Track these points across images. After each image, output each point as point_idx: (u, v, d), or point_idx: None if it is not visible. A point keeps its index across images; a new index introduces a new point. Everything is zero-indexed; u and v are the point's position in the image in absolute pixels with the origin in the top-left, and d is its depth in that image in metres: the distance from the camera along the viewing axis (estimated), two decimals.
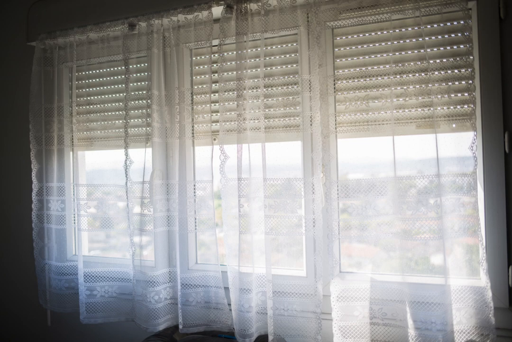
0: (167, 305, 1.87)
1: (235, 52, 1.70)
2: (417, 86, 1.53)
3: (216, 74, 1.79)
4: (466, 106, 1.47)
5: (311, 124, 1.64)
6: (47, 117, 2.10)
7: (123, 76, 2.01)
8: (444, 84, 1.50)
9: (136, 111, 1.98)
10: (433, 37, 1.54)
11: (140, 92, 1.96)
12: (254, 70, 1.73)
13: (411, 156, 1.57)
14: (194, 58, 1.94)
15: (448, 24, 1.53)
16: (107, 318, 1.99)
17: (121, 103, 2.04)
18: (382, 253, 1.65)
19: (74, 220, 2.05)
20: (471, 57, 1.44)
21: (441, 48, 1.53)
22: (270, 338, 1.64)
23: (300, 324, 1.66)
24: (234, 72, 1.72)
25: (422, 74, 1.52)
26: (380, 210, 1.54)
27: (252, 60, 1.73)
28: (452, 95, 1.50)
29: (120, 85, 2.06)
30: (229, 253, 1.72)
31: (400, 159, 1.50)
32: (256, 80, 1.70)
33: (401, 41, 1.56)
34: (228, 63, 1.79)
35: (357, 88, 1.61)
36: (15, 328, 2.42)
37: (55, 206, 2.06)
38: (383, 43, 1.61)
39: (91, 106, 2.09)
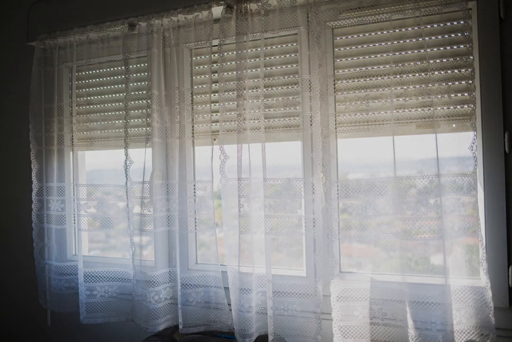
0: (167, 305, 1.87)
1: (235, 52, 1.70)
2: (417, 86, 1.53)
3: (216, 74, 1.79)
4: (466, 106, 1.47)
5: (311, 124, 1.64)
6: (47, 117, 2.10)
7: (123, 76, 2.01)
8: (444, 84, 1.50)
9: (136, 111, 1.98)
10: (433, 37, 1.54)
11: (140, 92, 1.96)
12: (254, 70, 1.72)
13: (411, 156, 1.57)
14: (194, 58, 1.94)
15: (448, 24, 1.53)
16: (107, 318, 1.99)
17: (121, 103, 2.04)
18: (382, 253, 1.65)
19: (74, 220, 2.05)
20: (471, 57, 1.44)
21: (441, 48, 1.53)
22: (270, 338, 1.63)
23: (300, 324, 1.66)
24: (234, 72, 1.72)
25: (422, 74, 1.52)
26: (380, 210, 1.54)
27: (252, 60, 1.73)
28: (452, 95, 1.50)
29: (120, 85, 2.06)
30: (229, 253, 1.72)
31: (400, 159, 1.50)
32: (256, 80, 1.70)
33: (401, 41, 1.56)
34: (228, 63, 1.79)
35: (357, 88, 1.61)
36: (15, 328, 2.42)
37: (55, 206, 2.06)
38: (383, 43, 1.61)
39: (91, 106, 2.09)
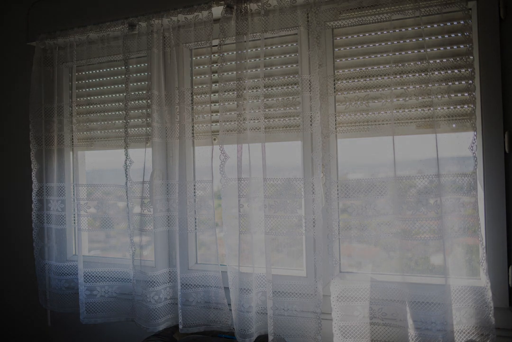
0: (167, 305, 1.87)
1: (235, 52, 1.70)
2: (417, 86, 1.53)
3: (216, 74, 1.79)
4: (466, 106, 1.47)
5: (311, 124, 1.64)
6: (47, 117, 2.10)
7: (123, 76, 2.01)
8: (444, 84, 1.50)
9: (136, 111, 1.98)
10: (433, 37, 1.54)
11: (140, 92, 1.96)
12: (254, 70, 1.72)
13: (411, 156, 1.57)
14: (194, 58, 1.94)
15: (448, 24, 1.53)
16: (107, 318, 1.98)
17: (121, 103, 2.04)
18: (382, 253, 1.65)
19: (74, 220, 2.05)
20: (471, 57, 1.44)
21: (441, 48, 1.53)
22: (270, 338, 1.63)
23: (300, 324, 1.66)
24: (234, 72, 1.72)
25: (422, 74, 1.52)
26: (380, 210, 1.54)
27: (252, 60, 1.73)
28: (452, 95, 1.50)
29: (120, 85, 2.06)
30: (229, 253, 1.72)
31: (400, 159, 1.50)
32: (256, 80, 1.70)
33: (401, 41, 1.56)
34: (228, 63, 1.79)
35: (357, 88, 1.61)
36: (15, 328, 2.42)
37: (55, 206, 2.06)
38: (383, 43, 1.61)
39: (91, 106, 2.09)
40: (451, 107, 1.50)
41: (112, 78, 2.09)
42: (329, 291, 1.61)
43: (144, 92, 1.92)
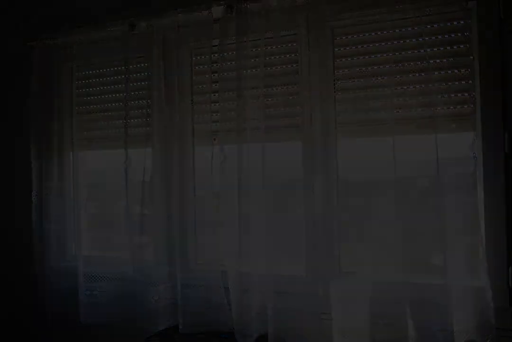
0: (167, 305, 1.87)
1: (235, 52, 1.70)
2: (417, 86, 1.53)
3: (216, 74, 1.79)
4: (466, 106, 1.48)
5: (311, 124, 1.64)
6: (47, 117, 2.10)
7: (123, 76, 2.00)
8: (444, 84, 1.50)
9: (136, 111, 1.97)
10: (433, 37, 1.54)
11: (140, 92, 1.96)
12: (254, 70, 1.72)
13: (411, 156, 1.57)
14: (194, 58, 1.94)
15: (448, 24, 1.52)
16: (107, 318, 1.98)
17: (121, 103, 2.04)
18: (382, 253, 1.65)
19: (74, 220, 2.05)
20: (471, 57, 1.44)
21: (441, 48, 1.53)
22: (270, 338, 1.63)
23: (300, 324, 1.65)
24: (234, 72, 1.72)
25: (422, 74, 1.52)
26: (380, 210, 1.54)
27: (252, 60, 1.73)
28: (452, 95, 1.50)
29: (120, 85, 2.06)
30: (229, 253, 1.72)
31: (400, 160, 1.50)
32: (256, 80, 1.70)
33: (401, 41, 1.56)
34: (228, 63, 1.79)
35: (357, 88, 1.61)
36: (15, 328, 2.42)
37: (55, 206, 2.06)
38: (383, 43, 1.60)
39: (91, 106, 2.09)
40: (451, 107, 1.50)
41: (112, 78, 2.08)
42: (329, 291, 1.60)
43: (144, 92, 1.92)
